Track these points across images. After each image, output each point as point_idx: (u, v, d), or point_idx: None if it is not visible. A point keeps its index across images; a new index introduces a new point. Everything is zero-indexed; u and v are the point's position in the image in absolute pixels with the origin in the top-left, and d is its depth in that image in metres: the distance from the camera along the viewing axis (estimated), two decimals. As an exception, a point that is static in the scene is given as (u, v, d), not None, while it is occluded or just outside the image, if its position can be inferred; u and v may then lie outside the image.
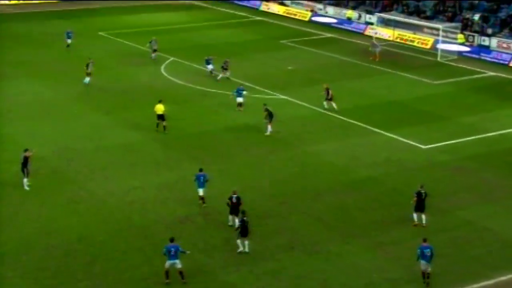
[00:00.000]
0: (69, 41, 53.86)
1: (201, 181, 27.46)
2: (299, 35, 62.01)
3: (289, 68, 49.06)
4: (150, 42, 51.40)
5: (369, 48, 53.32)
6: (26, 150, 29.41)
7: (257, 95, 42.64)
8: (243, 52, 54.85)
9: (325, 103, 39.73)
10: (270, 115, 35.68)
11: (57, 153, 33.16)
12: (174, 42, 55.36)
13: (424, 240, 22.64)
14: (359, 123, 37.76)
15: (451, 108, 41.05)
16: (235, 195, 25.87)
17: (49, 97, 42.46)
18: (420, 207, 26.08)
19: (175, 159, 32.35)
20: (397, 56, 54.45)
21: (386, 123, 37.80)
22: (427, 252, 22.31)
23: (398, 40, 59.36)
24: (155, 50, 51.09)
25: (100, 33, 60.62)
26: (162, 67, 49.35)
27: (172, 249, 22.46)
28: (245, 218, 24.23)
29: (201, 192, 27.50)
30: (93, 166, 31.63)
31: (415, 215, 26.12)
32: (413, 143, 34.86)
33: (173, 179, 30.13)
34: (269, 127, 35.60)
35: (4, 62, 50.61)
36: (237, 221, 25.42)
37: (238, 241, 24.23)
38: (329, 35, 62.77)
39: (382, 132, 36.48)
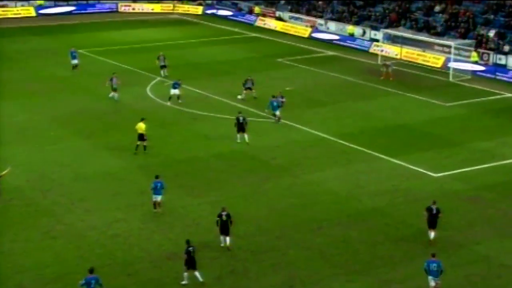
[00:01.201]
0: (75, 61, 53.54)
1: (158, 188, 29.65)
2: (298, 53, 62.54)
3: (287, 88, 49.35)
4: (158, 58, 52.03)
5: (381, 69, 53.77)
6: None
7: (252, 118, 42.83)
8: (236, 71, 55.17)
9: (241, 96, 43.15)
10: (239, 125, 37.79)
11: (32, 182, 33.18)
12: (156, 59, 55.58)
13: (433, 255, 23.86)
14: (363, 149, 37.97)
15: (465, 132, 41.33)
16: (224, 213, 26.71)
17: (23, 119, 42.59)
18: (431, 223, 27.35)
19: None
20: (405, 76, 54.88)
21: (393, 149, 38.01)
22: (434, 267, 23.45)
23: (406, 58, 59.91)
24: (163, 66, 51.70)
25: (80, 50, 60.96)
26: (148, 88, 49.62)
27: (93, 281, 22.57)
28: (190, 249, 24.55)
29: (157, 198, 29.69)
30: (71, 196, 31.65)
31: (429, 232, 27.35)
32: (423, 171, 35.03)
33: (159, 211, 30.15)
34: (238, 136, 37.89)
35: (-25, 82, 50.86)
36: (228, 241, 26.37)
37: (185, 274, 24.40)
38: (330, 53, 63.30)
39: (388, 158, 36.68)
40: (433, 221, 27.28)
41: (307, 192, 32.52)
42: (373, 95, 48.96)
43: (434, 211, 27.32)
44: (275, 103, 41.60)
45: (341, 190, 32.74)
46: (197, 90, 48.86)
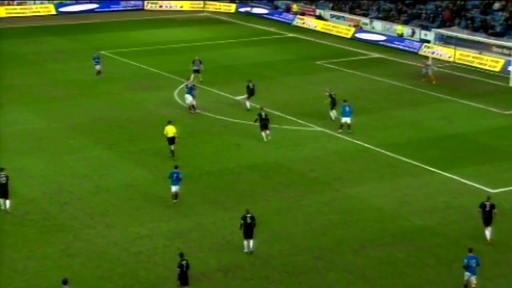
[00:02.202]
0: (97, 67, 53.18)
1: (174, 179, 31.85)
2: (340, 55, 62.50)
3: (326, 94, 49.30)
4: (193, 62, 52.15)
5: (422, 70, 53.61)
6: (2, 170, 31.33)
7: (288, 126, 42.96)
8: (272, 75, 55.38)
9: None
10: (263, 122, 39.93)
11: (49, 195, 33.60)
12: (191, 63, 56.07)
13: (470, 250, 25.36)
14: (411, 161, 37.76)
15: (526, 143, 40.89)
16: (249, 215, 27.82)
17: (40, 127, 43.18)
18: (486, 220, 28.76)
19: (189, 202, 32.60)
20: (458, 80, 54.47)
21: (445, 161, 37.73)
22: (472, 262, 24.98)
23: (460, 61, 59.45)
24: (196, 71, 51.53)
25: (102, 52, 61.73)
26: (176, 92, 49.97)
27: None
28: (183, 263, 24.80)
29: (174, 189, 32.04)
30: (91, 210, 31.99)
31: (485, 231, 28.86)
32: (479, 186, 34.69)
33: (186, 227, 30.34)
34: (263, 135, 39.97)
35: (-11, 86, 51.75)
36: (251, 245, 27.48)
37: None
38: (376, 55, 63.12)
39: (440, 172, 36.40)
40: (488, 218, 28.59)
41: (348, 208, 32.43)
42: (423, 102, 48.66)
43: (488, 208, 28.64)
44: (347, 108, 41.42)
45: (386, 207, 32.57)
46: (229, 95, 49.06)
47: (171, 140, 37.49)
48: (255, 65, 58.86)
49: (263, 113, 40.04)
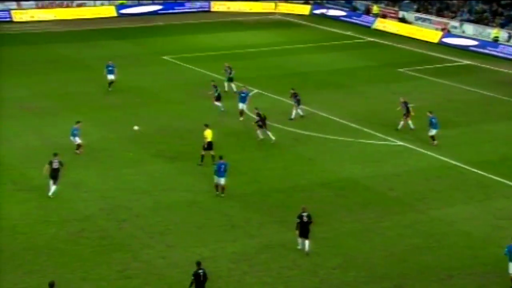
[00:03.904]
0: (110, 77, 52.80)
1: (222, 170, 34.19)
2: (425, 62, 61.94)
3: (411, 105, 48.84)
4: (224, 70, 52.64)
5: None
6: (56, 155, 34.76)
7: (366, 140, 42.69)
8: (350, 83, 55.18)
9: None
10: (261, 121, 41.94)
11: (106, 211, 34.12)
12: (261, 70, 56.48)
13: None
14: (506, 181, 37.13)
15: None
16: (305, 213, 29.31)
17: (96, 138, 43.90)
18: None
19: (256, 222, 32.68)
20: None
21: (544, 182, 36.99)
22: None
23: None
24: (230, 79, 52.23)
25: (164, 57, 62.68)
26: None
27: None
28: (200, 272, 25.08)
29: (222, 181, 34.32)
30: (151, 229, 32.36)
31: None
32: None
33: (253, 248, 30.39)
34: (259, 133, 42.00)
35: (45, 93, 52.92)
36: (307, 246, 29.17)
37: None
38: (466, 61, 62.32)
39: (538, 193, 35.70)
40: None
41: (433, 232, 32.02)
42: (519, 115, 47.90)
43: None
44: (434, 120, 41.69)
45: (477, 232, 32.04)
46: (301, 105, 49.05)
47: (210, 145, 38.56)
48: (331, 72, 58.78)
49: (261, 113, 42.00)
